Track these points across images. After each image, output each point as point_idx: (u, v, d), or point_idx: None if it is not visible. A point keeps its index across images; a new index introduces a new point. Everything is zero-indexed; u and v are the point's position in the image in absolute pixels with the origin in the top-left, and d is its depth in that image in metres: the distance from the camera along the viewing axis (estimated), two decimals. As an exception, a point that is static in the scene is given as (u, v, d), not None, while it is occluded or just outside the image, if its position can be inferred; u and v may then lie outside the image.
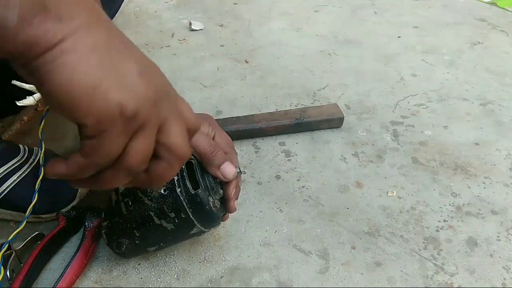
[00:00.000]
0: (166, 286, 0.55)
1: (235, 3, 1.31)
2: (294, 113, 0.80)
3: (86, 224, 0.58)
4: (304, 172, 0.72)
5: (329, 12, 1.26)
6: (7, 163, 0.60)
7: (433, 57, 1.05)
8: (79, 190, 0.63)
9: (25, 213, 0.61)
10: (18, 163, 0.61)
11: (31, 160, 0.62)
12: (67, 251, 0.59)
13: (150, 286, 0.55)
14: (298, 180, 0.70)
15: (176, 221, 0.48)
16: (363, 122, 0.83)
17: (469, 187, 0.70)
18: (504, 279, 0.56)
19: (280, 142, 0.78)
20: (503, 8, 1.29)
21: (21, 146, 0.64)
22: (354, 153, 0.76)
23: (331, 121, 0.80)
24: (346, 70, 0.99)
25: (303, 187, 0.69)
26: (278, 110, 0.85)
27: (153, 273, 0.56)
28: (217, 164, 0.49)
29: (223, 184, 0.51)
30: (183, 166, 0.48)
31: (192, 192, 0.48)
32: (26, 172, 0.60)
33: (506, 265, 0.58)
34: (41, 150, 0.55)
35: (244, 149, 0.76)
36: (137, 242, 0.51)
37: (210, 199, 0.49)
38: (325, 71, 0.99)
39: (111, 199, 0.51)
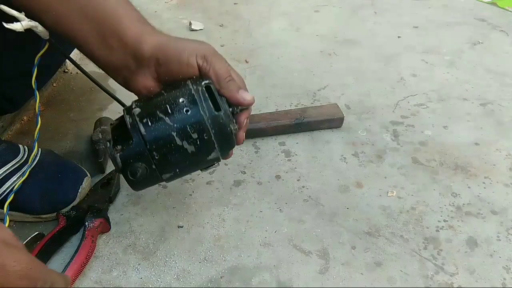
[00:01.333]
0: (166, 286, 0.55)
1: (235, 3, 1.31)
2: (294, 113, 0.80)
3: (86, 224, 0.58)
4: (304, 172, 0.72)
5: (329, 12, 1.26)
6: (7, 164, 0.60)
7: (433, 57, 1.05)
8: (79, 191, 0.63)
9: (26, 213, 0.61)
10: (18, 164, 0.61)
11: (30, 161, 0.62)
12: (67, 251, 0.59)
13: (150, 286, 0.55)
14: (298, 180, 0.70)
15: (198, 143, 0.47)
16: (363, 122, 0.83)
17: (469, 187, 0.70)
18: (504, 279, 0.56)
19: (280, 142, 0.78)
20: (503, 8, 1.29)
21: (21, 146, 0.64)
22: (354, 153, 0.76)
23: (331, 121, 0.80)
24: (346, 70, 0.99)
25: (303, 187, 0.69)
26: (278, 110, 0.85)
27: (153, 273, 0.56)
28: (237, 88, 0.49)
29: (236, 113, 0.50)
30: (203, 88, 0.47)
31: (216, 113, 0.47)
32: (26, 173, 0.60)
33: (506, 265, 0.58)
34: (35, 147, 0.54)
35: (244, 149, 0.76)
36: (153, 167, 0.48)
37: (230, 122, 0.48)
38: (325, 71, 0.99)
39: (125, 122, 0.47)
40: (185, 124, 0.46)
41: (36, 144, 0.56)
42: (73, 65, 1.00)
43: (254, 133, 0.78)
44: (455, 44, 1.10)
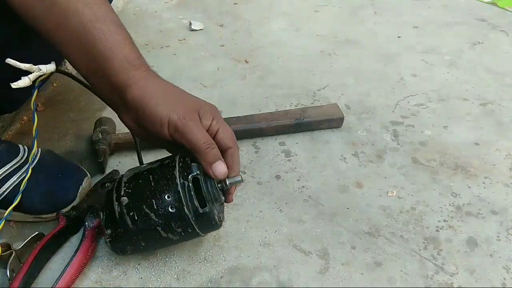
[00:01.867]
0: (166, 286, 0.55)
1: (235, 3, 1.31)
2: (294, 113, 0.80)
3: (86, 224, 0.58)
4: (304, 172, 0.72)
5: (329, 12, 1.26)
6: (7, 164, 0.60)
7: (433, 57, 1.05)
8: (79, 191, 0.63)
9: (26, 213, 0.61)
10: (18, 164, 0.61)
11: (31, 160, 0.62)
12: (67, 251, 0.59)
13: (150, 286, 0.55)
14: (298, 180, 0.70)
15: (183, 234, 0.50)
16: (363, 122, 0.83)
17: (469, 187, 0.70)
18: (504, 279, 0.56)
19: (280, 142, 0.78)
20: (503, 8, 1.29)
21: (20, 146, 0.64)
22: (354, 153, 0.76)
23: (331, 121, 0.80)
24: (346, 70, 0.99)
25: (303, 187, 0.69)
26: (278, 110, 0.85)
27: (153, 273, 0.56)
28: (210, 161, 0.49)
29: (227, 188, 0.52)
30: (190, 183, 0.48)
31: (200, 211, 0.49)
32: (29, 171, 0.60)
33: (506, 265, 0.58)
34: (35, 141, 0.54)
35: (244, 149, 0.76)
36: (141, 249, 0.53)
37: (216, 212, 0.50)
38: (325, 71, 0.99)
39: (114, 209, 0.50)
40: (170, 221, 0.49)
41: (36, 142, 0.55)
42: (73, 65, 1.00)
43: (254, 133, 0.78)
44: (455, 44, 1.10)
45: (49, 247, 0.57)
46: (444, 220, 0.64)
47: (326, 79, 0.96)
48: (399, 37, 1.13)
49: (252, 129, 0.77)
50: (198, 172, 0.49)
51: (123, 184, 0.51)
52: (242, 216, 0.64)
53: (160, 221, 0.49)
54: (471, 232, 0.62)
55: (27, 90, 0.53)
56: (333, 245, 0.60)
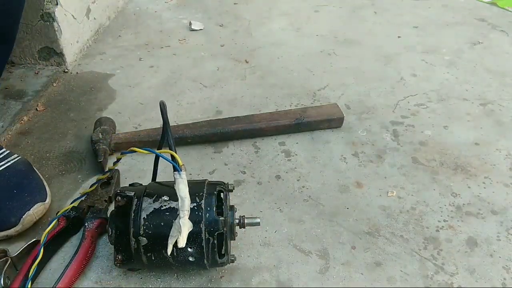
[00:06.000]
0: (166, 286, 0.55)
1: (235, 3, 1.31)
2: (294, 113, 0.80)
3: (86, 224, 0.58)
4: (304, 172, 0.72)
5: (329, 12, 1.26)
6: None
7: (433, 57, 1.05)
8: (24, 216, 0.56)
9: None
10: None
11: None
12: (67, 251, 0.59)
13: (150, 286, 0.55)
14: (298, 180, 0.70)
15: (192, 271, 0.53)
16: (363, 122, 0.83)
17: (469, 187, 0.70)
18: (504, 279, 0.56)
19: (280, 142, 0.78)
20: (503, 8, 1.29)
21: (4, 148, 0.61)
22: (354, 153, 0.76)
23: (331, 121, 0.80)
24: (346, 70, 0.99)
25: (303, 187, 0.69)
26: (278, 110, 0.85)
27: (153, 273, 0.56)
28: None
29: (243, 225, 0.53)
30: (215, 240, 0.48)
31: (219, 262, 0.50)
32: None
33: (506, 265, 0.58)
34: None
35: (244, 149, 0.76)
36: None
37: (229, 255, 0.52)
38: (325, 71, 0.99)
39: (129, 243, 0.49)
40: (186, 266, 0.50)
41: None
42: (72, 66, 1.00)
43: (254, 133, 0.78)
44: (455, 44, 1.10)
45: (49, 247, 0.57)
46: (444, 220, 0.64)
47: (326, 79, 0.96)
48: (399, 37, 1.13)
49: (252, 129, 0.77)
50: (224, 228, 0.49)
51: (141, 221, 0.48)
52: (242, 216, 0.64)
53: (177, 265, 0.50)
54: (471, 232, 0.62)
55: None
56: (333, 245, 0.60)
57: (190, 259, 0.49)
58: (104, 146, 0.71)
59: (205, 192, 0.49)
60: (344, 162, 0.74)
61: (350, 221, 0.63)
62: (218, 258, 0.50)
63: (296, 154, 0.75)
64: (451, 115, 0.86)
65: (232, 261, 0.53)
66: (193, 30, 1.16)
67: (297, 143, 0.78)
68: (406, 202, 0.67)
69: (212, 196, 0.49)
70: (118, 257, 0.51)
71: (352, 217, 0.64)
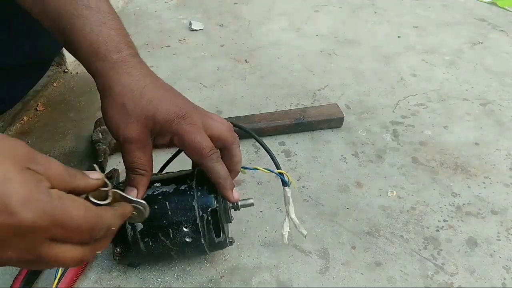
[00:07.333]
0: (166, 286, 0.55)
1: (235, 3, 1.31)
2: (294, 113, 0.80)
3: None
4: (304, 172, 0.72)
5: (329, 12, 1.26)
6: None
7: (433, 57, 1.05)
8: None
9: None
10: None
11: None
12: (67, 251, 0.59)
13: (150, 286, 0.55)
14: (298, 180, 0.70)
15: (192, 256, 0.53)
16: (363, 122, 0.83)
17: (469, 187, 0.70)
18: (504, 279, 0.56)
19: (280, 142, 0.78)
20: (503, 8, 1.29)
21: None
22: (354, 153, 0.76)
23: (331, 121, 0.80)
24: (346, 70, 0.99)
25: (303, 187, 0.69)
26: (278, 110, 0.85)
27: (153, 273, 0.56)
28: (230, 188, 0.48)
29: (238, 208, 0.52)
30: (209, 216, 0.48)
31: (216, 241, 0.50)
32: None
33: (506, 265, 0.58)
34: None
35: (244, 149, 0.76)
36: (150, 264, 0.56)
37: (228, 236, 0.52)
38: (325, 71, 0.99)
39: (126, 232, 0.48)
40: (184, 248, 0.50)
41: None
42: (72, 66, 1.00)
43: (254, 133, 0.78)
44: (455, 44, 1.10)
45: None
46: (444, 220, 0.64)
47: (326, 79, 0.96)
48: (399, 37, 1.13)
49: (252, 129, 0.77)
50: (216, 204, 0.49)
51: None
52: (242, 216, 0.64)
53: (175, 248, 0.49)
54: (471, 232, 0.62)
55: (20, 89, 0.51)
56: (333, 245, 0.60)
57: (187, 239, 0.48)
58: (104, 146, 0.71)
59: (195, 175, 0.50)
60: (344, 162, 0.74)
61: (350, 221, 0.63)
62: (214, 237, 0.49)
63: (296, 154, 0.75)
64: (451, 115, 0.86)
65: (231, 243, 0.53)
66: (193, 30, 1.16)
67: (297, 143, 0.78)
68: (406, 202, 0.67)
69: (203, 177, 0.50)
70: (116, 250, 0.50)
71: (352, 217, 0.64)
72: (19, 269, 0.53)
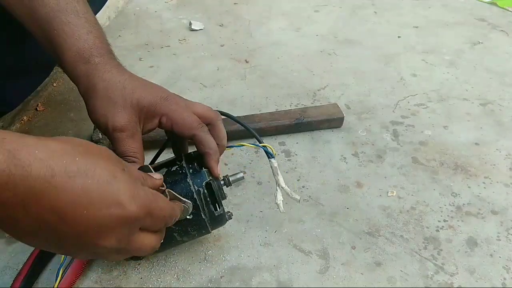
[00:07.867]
0: (166, 286, 0.55)
1: (235, 3, 1.32)
2: (294, 113, 0.80)
3: (86, 224, 0.58)
4: (304, 172, 0.72)
5: (329, 12, 1.26)
6: None
7: (433, 57, 1.05)
8: None
9: None
10: None
11: None
12: (67, 251, 0.59)
13: (150, 286, 0.55)
14: (298, 180, 0.70)
15: (196, 235, 0.52)
16: (363, 122, 0.83)
17: (469, 187, 0.70)
18: (504, 279, 0.56)
19: (280, 142, 0.78)
20: (503, 8, 1.29)
21: None
22: (354, 153, 0.76)
23: (331, 121, 0.80)
24: (346, 70, 0.99)
25: (303, 187, 0.69)
26: (278, 110, 0.85)
27: (153, 273, 0.56)
28: (217, 162, 0.50)
29: (230, 184, 0.54)
30: (204, 189, 0.49)
31: (216, 214, 0.50)
32: None
33: (506, 265, 0.58)
34: None
35: (244, 149, 0.76)
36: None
37: (226, 211, 0.52)
38: (325, 71, 0.99)
39: None
40: (187, 227, 0.50)
41: None
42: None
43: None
44: (455, 44, 1.10)
45: (49, 247, 0.57)
46: (444, 220, 0.64)
47: (326, 79, 0.96)
48: (399, 37, 1.13)
49: (252, 129, 0.77)
50: (210, 177, 0.49)
51: None
52: (242, 216, 0.64)
53: (177, 228, 0.49)
54: (471, 232, 0.62)
55: (23, 90, 0.52)
56: (333, 245, 0.60)
57: (188, 216, 0.49)
58: (104, 146, 0.71)
59: (183, 157, 0.51)
60: (344, 162, 0.74)
61: (350, 221, 0.63)
62: (213, 210, 0.50)
63: (296, 154, 0.75)
64: (451, 115, 0.86)
65: (230, 217, 0.53)
66: (193, 30, 1.16)
67: (297, 143, 0.78)
68: (406, 202, 0.67)
69: (190, 158, 0.51)
70: None
71: (352, 217, 0.64)
72: (19, 269, 0.53)
